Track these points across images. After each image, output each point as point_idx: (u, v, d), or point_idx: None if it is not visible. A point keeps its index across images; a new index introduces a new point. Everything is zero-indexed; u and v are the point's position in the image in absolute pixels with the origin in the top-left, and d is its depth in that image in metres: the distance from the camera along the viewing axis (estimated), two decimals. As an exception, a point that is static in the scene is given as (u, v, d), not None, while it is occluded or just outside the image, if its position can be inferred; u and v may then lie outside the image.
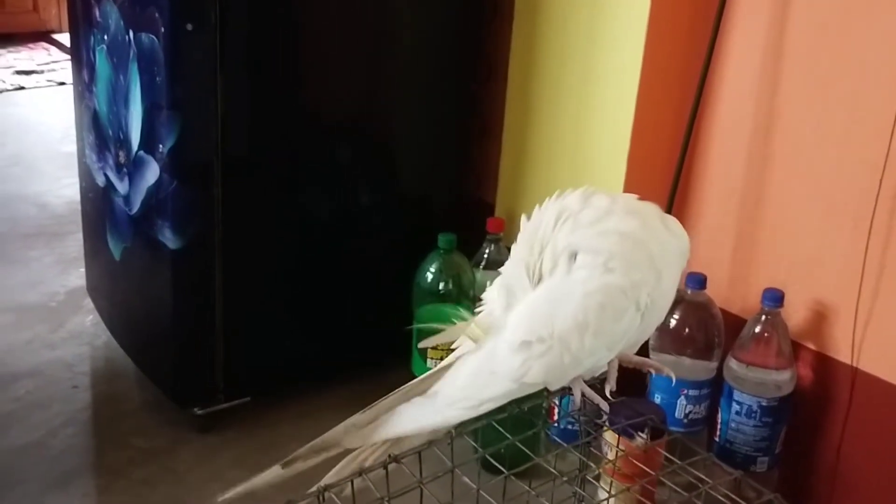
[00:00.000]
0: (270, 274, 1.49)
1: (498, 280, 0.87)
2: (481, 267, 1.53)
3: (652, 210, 0.85)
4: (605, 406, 0.88)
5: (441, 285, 1.47)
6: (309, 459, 0.84)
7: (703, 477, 0.85)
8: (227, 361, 1.46)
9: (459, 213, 1.67)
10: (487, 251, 1.55)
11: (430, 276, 1.48)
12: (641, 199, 0.85)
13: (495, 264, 1.38)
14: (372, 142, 1.56)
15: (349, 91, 1.51)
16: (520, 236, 0.85)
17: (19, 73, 3.45)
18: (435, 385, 0.86)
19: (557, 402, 1.40)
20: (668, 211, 1.46)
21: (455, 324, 0.85)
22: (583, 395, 0.87)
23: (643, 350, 1.38)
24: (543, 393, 0.90)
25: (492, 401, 0.82)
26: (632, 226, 0.81)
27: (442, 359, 1.42)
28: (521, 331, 0.80)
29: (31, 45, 3.81)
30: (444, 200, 1.68)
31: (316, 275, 1.53)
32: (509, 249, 1.55)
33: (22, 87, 3.30)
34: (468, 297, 1.47)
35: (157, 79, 1.31)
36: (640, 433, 1.07)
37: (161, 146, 1.33)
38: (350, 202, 1.54)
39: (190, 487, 1.36)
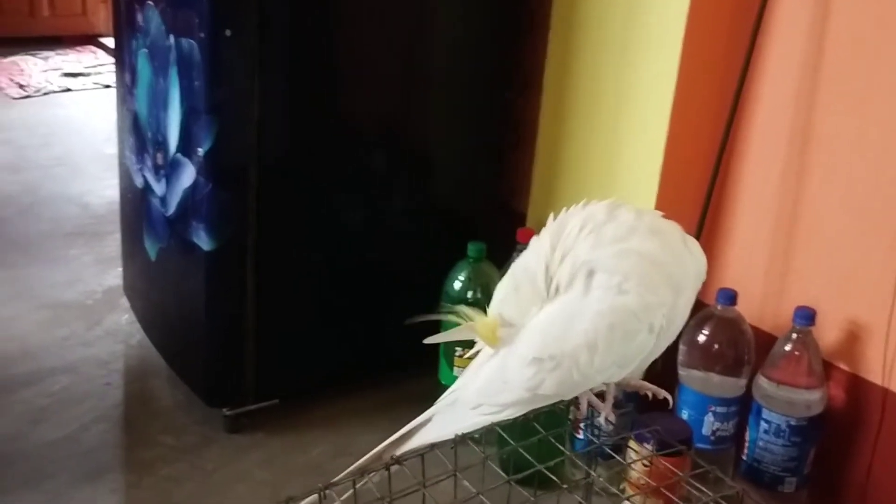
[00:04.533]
0: (302, 278, 1.50)
1: (513, 272, 0.86)
2: (511, 276, 1.53)
3: (674, 230, 0.85)
4: (611, 417, 0.89)
5: (469, 294, 1.48)
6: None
7: (728, 495, 0.85)
8: (258, 363, 1.48)
9: (491, 222, 1.67)
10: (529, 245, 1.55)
11: (458, 285, 1.49)
12: (665, 216, 0.86)
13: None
14: (406, 149, 1.57)
15: (385, 98, 1.52)
16: (543, 232, 0.85)
17: (67, 75, 3.52)
18: (454, 390, 0.87)
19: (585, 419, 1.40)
20: (701, 224, 1.45)
21: (465, 321, 0.85)
22: (589, 404, 0.88)
23: (672, 365, 1.38)
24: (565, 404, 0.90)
25: (511, 407, 0.83)
26: (652, 246, 0.81)
27: (470, 367, 1.42)
28: (533, 347, 0.81)
29: (78, 48, 3.89)
30: (476, 209, 1.68)
31: (346, 280, 1.55)
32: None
33: (69, 89, 3.38)
34: (497, 307, 1.47)
35: (196, 83, 1.34)
36: (645, 444, 1.06)
37: (198, 149, 1.36)
38: (382, 208, 1.55)
39: (217, 486, 1.38)
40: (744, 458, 1.35)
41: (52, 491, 1.33)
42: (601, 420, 0.89)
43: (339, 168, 1.48)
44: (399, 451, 0.85)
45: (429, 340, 0.89)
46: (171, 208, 1.46)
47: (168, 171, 1.45)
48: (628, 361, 0.82)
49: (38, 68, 3.57)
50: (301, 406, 1.54)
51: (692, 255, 0.84)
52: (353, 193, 1.51)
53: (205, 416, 1.51)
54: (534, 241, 0.86)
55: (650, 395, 0.95)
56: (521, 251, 1.53)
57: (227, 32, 1.30)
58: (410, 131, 1.58)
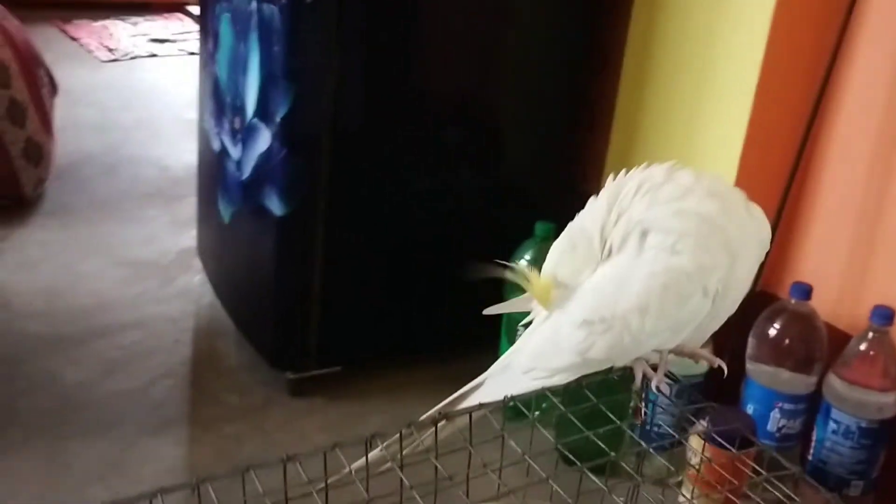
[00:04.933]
0: (370, 248, 1.51)
1: (568, 232, 0.85)
2: (579, 259, 1.52)
3: (735, 194, 0.83)
4: (665, 388, 0.86)
5: (535, 273, 1.46)
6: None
7: (792, 495, 0.83)
8: (322, 330, 1.50)
9: (561, 202, 1.64)
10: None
11: (524, 264, 1.47)
12: (726, 181, 0.83)
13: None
14: (479, 124, 1.56)
15: (461, 73, 1.51)
16: (601, 193, 0.84)
17: (153, 41, 3.61)
18: (508, 357, 0.86)
19: (644, 404, 1.38)
20: (779, 216, 1.41)
21: (521, 277, 0.84)
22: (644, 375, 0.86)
23: (740, 357, 1.35)
24: (627, 386, 0.89)
25: (562, 371, 0.82)
26: (710, 208, 0.79)
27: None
28: (584, 309, 0.80)
29: (166, 15, 3.98)
30: (547, 188, 1.66)
31: (413, 252, 1.55)
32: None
33: (154, 55, 3.46)
34: (562, 288, 1.46)
35: (275, 49, 1.35)
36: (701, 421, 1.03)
37: (274, 115, 1.37)
38: (453, 184, 1.55)
39: (276, 447, 1.40)
40: (809, 457, 1.31)
41: (119, 439, 1.38)
42: (653, 387, 0.87)
43: (412, 141, 1.48)
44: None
45: (489, 311, 0.89)
46: (246, 172, 1.49)
47: (244, 135, 1.47)
48: (682, 326, 0.80)
49: (127, 33, 3.66)
50: (362, 374, 1.56)
51: (754, 220, 0.82)
52: (424, 167, 1.51)
53: (268, 378, 1.54)
54: (591, 201, 0.85)
55: (705, 363, 0.92)
56: (590, 233, 1.53)
57: (308, 0, 1.31)
58: (484, 107, 1.57)
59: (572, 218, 1.53)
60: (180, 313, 1.76)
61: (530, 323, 0.91)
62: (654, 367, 0.87)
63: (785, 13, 1.32)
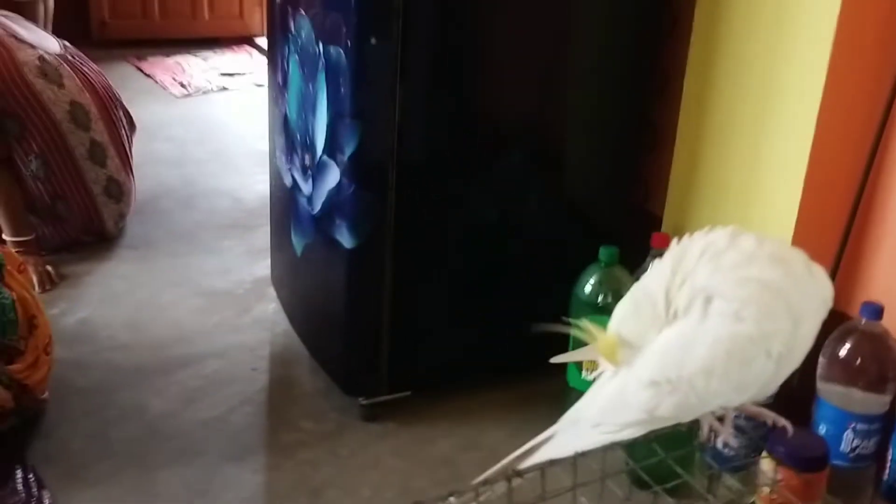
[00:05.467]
0: (437, 275, 1.55)
1: (633, 293, 0.88)
2: (643, 282, 1.53)
3: (798, 257, 0.85)
4: (733, 441, 0.91)
5: (600, 298, 1.48)
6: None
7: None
8: (393, 356, 1.54)
9: (625, 225, 1.67)
10: (651, 267, 1.54)
11: (589, 289, 1.49)
12: (788, 244, 0.87)
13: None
14: (542, 150, 1.59)
15: (524, 100, 1.54)
16: (666, 256, 0.87)
17: (224, 74, 3.73)
18: (577, 409, 0.90)
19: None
20: (846, 234, 1.40)
21: (588, 336, 0.87)
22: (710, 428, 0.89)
23: (810, 378, 1.34)
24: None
25: (630, 427, 0.85)
26: (773, 274, 0.82)
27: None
28: (651, 370, 0.83)
29: (235, 49, 4.11)
30: (611, 212, 1.68)
31: (479, 278, 1.58)
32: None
33: (225, 88, 3.57)
34: (628, 311, 1.47)
35: (342, 89, 1.40)
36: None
37: (342, 152, 1.43)
38: (517, 209, 1.58)
39: (351, 472, 1.45)
40: (884, 478, 1.30)
41: (202, 467, 1.44)
42: (719, 444, 0.90)
43: (476, 169, 1.52)
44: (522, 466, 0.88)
45: (555, 360, 0.92)
46: (317, 207, 1.54)
47: (315, 171, 1.53)
48: (746, 387, 0.83)
49: (199, 68, 3.79)
50: (433, 399, 1.60)
51: (816, 282, 0.84)
52: (488, 194, 1.55)
53: (342, 403, 1.59)
54: (656, 263, 0.88)
55: (769, 422, 0.95)
56: (654, 257, 1.54)
57: (372, 41, 1.36)
58: (547, 132, 1.60)
59: (636, 240, 1.56)
60: (256, 342, 1.83)
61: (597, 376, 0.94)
62: (721, 419, 0.90)
63: (848, 32, 1.32)
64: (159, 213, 2.43)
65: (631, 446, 0.99)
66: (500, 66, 1.50)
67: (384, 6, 1.34)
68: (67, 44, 2.26)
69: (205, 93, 3.52)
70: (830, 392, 1.33)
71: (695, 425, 0.92)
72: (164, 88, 3.55)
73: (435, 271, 1.55)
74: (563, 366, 1.55)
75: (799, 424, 1.34)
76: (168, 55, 3.95)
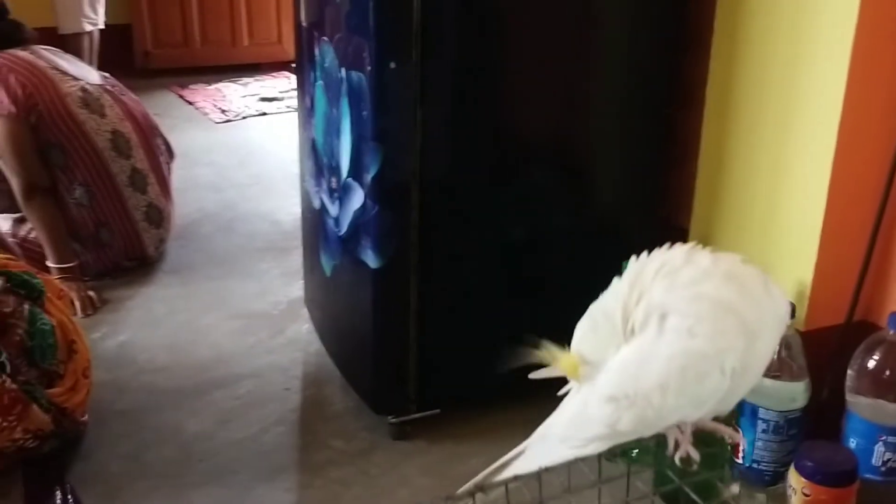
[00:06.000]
0: (463, 294, 1.56)
1: (592, 312, 0.89)
2: (669, 296, 1.52)
3: (753, 275, 0.85)
4: (695, 455, 0.89)
5: (625, 313, 1.48)
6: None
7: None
8: (420, 374, 1.56)
9: (651, 238, 1.66)
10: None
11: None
12: (746, 261, 0.86)
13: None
14: (567, 166, 1.60)
15: (546, 116, 1.55)
16: (625, 274, 0.88)
17: (263, 99, 3.81)
18: (546, 425, 0.91)
19: (743, 440, 1.37)
20: (872, 241, 1.38)
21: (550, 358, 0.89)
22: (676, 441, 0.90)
23: (839, 390, 1.33)
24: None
25: (594, 441, 0.86)
26: (726, 291, 0.82)
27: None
28: (610, 386, 0.84)
29: (274, 74, 4.19)
30: (636, 225, 1.68)
31: (505, 295, 1.59)
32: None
33: (264, 113, 3.65)
34: (653, 326, 1.47)
35: (364, 113, 1.43)
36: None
37: (366, 174, 1.45)
38: (542, 225, 1.59)
39: (380, 490, 1.47)
40: (918, 492, 1.27)
41: (235, 487, 1.47)
42: (676, 458, 0.90)
43: (500, 187, 1.54)
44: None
45: (533, 376, 0.94)
46: (344, 228, 1.57)
47: (341, 194, 1.56)
48: (702, 402, 0.84)
49: (238, 94, 3.88)
50: (461, 417, 1.60)
51: (773, 300, 0.85)
52: (513, 211, 1.56)
53: (372, 422, 1.60)
54: (615, 281, 0.89)
55: (727, 438, 0.95)
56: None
57: (392, 65, 1.38)
58: (571, 148, 1.61)
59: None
60: (290, 362, 1.86)
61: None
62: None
63: (866, 41, 1.31)
64: (199, 238, 2.49)
65: (659, 467, 0.99)
66: (521, 83, 1.52)
67: (403, 31, 1.36)
68: (107, 75, 2.34)
69: (244, 118, 3.60)
70: (860, 405, 1.31)
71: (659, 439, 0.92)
72: (205, 115, 3.64)
73: (461, 289, 1.56)
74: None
75: (829, 438, 1.33)
76: (209, 82, 4.05)
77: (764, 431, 1.34)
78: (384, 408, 1.59)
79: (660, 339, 0.82)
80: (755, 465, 1.36)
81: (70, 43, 3.40)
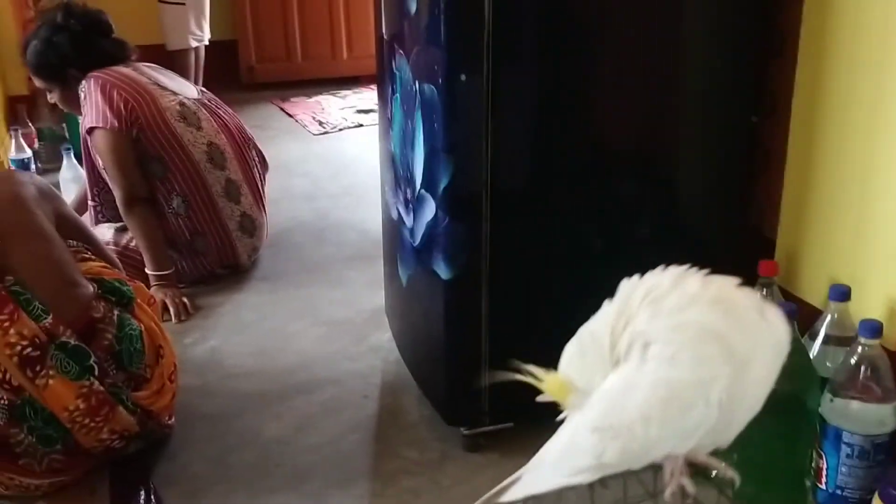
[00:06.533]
0: (535, 305, 1.55)
1: (580, 335, 0.87)
2: (750, 311, 1.47)
3: (746, 299, 0.81)
4: (690, 488, 0.85)
5: (702, 327, 1.43)
6: None
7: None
8: (493, 387, 1.55)
9: (736, 250, 1.61)
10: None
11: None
12: (741, 285, 0.81)
13: (765, 309, 1.32)
14: (648, 174, 1.56)
15: (628, 124, 1.53)
16: (615, 298, 0.85)
17: (360, 111, 3.88)
18: (542, 451, 0.90)
19: (825, 464, 1.31)
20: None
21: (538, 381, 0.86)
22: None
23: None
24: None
25: (583, 472, 0.84)
26: (712, 317, 0.78)
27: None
28: (595, 416, 0.81)
29: (371, 87, 4.26)
30: (724, 237, 1.63)
31: (579, 308, 1.56)
32: (784, 293, 1.48)
33: (360, 125, 3.72)
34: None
35: (436, 125, 1.44)
36: None
37: (438, 186, 1.46)
38: (621, 235, 1.56)
39: (451, 502, 1.47)
40: None
41: (309, 494, 1.50)
42: (666, 495, 0.86)
43: (576, 197, 1.52)
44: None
45: (540, 399, 0.92)
46: (418, 239, 1.58)
47: (415, 205, 1.57)
48: (688, 434, 0.80)
49: (336, 106, 3.97)
50: (534, 430, 1.57)
51: (768, 325, 0.80)
52: (589, 221, 1.54)
53: (445, 433, 1.61)
54: (605, 305, 0.87)
55: (719, 472, 0.89)
56: (763, 285, 1.48)
57: (462, 77, 1.39)
58: (653, 156, 1.57)
59: (748, 265, 1.50)
60: (370, 369, 1.88)
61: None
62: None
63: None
64: (291, 246, 2.56)
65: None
66: (600, 92, 1.50)
67: (474, 44, 1.36)
68: (204, 89, 2.44)
69: (340, 130, 3.68)
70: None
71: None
72: (304, 127, 3.74)
73: (534, 302, 1.55)
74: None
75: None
76: (309, 95, 4.16)
77: (848, 456, 1.28)
78: (457, 419, 1.59)
79: (642, 369, 0.79)
80: (838, 492, 1.30)
81: (177, 59, 3.55)
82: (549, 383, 0.87)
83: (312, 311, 2.16)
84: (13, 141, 2.94)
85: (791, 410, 1.28)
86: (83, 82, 2.15)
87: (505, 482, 0.92)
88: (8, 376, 1.36)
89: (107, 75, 2.15)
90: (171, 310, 2.11)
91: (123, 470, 1.54)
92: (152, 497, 1.48)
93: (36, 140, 3.14)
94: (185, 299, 2.16)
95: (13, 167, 2.88)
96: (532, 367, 0.87)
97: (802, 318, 1.40)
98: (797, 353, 1.30)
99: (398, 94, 1.63)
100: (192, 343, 2.02)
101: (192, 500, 1.50)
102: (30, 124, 3.13)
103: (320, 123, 3.74)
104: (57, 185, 2.69)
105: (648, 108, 1.53)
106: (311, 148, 3.50)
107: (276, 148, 3.40)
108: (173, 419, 1.64)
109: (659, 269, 0.86)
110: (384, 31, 1.74)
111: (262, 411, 1.75)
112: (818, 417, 1.31)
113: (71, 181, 2.63)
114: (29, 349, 1.36)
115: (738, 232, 1.64)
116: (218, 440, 1.66)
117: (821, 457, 1.32)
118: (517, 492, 0.89)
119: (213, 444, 1.64)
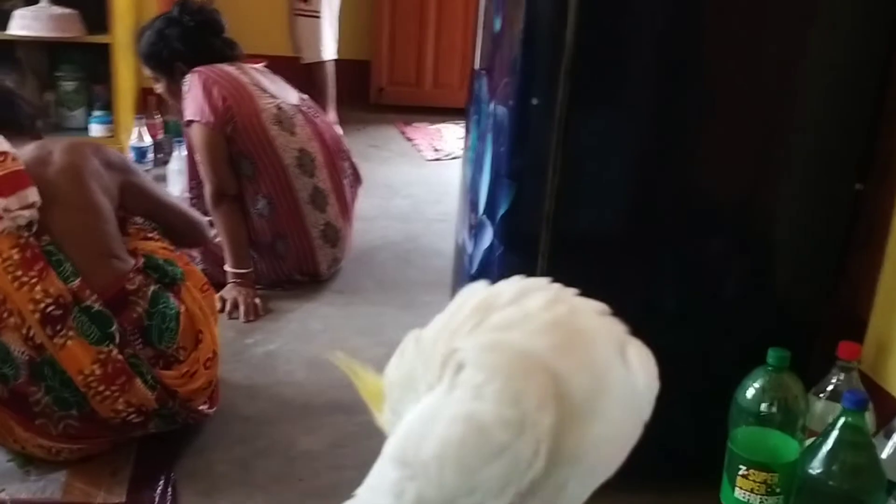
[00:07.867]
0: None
1: (406, 341, 0.77)
2: (823, 396, 1.31)
3: (605, 331, 0.65)
4: None
5: (763, 406, 1.29)
6: None
7: None
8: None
9: (824, 325, 1.46)
10: (835, 379, 1.32)
11: (751, 392, 1.30)
12: (604, 313, 0.65)
13: (840, 397, 1.18)
14: (736, 232, 1.44)
15: (719, 174, 1.41)
16: (451, 302, 0.73)
17: (473, 141, 3.85)
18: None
19: None
20: None
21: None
22: None
23: None
24: None
25: None
26: (541, 344, 0.62)
27: (753, 491, 1.25)
28: (394, 445, 0.69)
29: (491, 119, 4.24)
30: (808, 308, 1.48)
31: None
32: (867, 381, 1.32)
33: (472, 154, 3.68)
34: (795, 427, 1.27)
35: (502, 148, 1.38)
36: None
37: (496, 213, 1.39)
38: (698, 295, 1.44)
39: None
40: None
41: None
42: None
43: (649, 248, 1.41)
44: None
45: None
46: (475, 267, 1.52)
47: (476, 231, 1.51)
48: (498, 490, 0.62)
49: (455, 135, 3.95)
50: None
51: (627, 368, 0.64)
52: (663, 277, 1.43)
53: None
54: (441, 313, 0.74)
55: None
56: (841, 368, 1.32)
57: (534, 101, 1.32)
58: (744, 213, 1.45)
59: (833, 344, 1.34)
60: (420, 397, 1.81)
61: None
62: None
63: None
64: (374, 264, 2.53)
65: None
66: (692, 137, 1.39)
67: (550, 67, 1.29)
68: (305, 97, 2.45)
69: (453, 158, 3.65)
70: None
71: None
72: (419, 151, 3.74)
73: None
74: (719, 479, 1.37)
75: None
76: (432, 122, 4.17)
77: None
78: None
79: (449, 396, 0.65)
80: None
81: (314, 71, 3.65)
82: (365, 386, 0.75)
83: (378, 331, 2.11)
84: (136, 129, 3.07)
85: (849, 513, 1.13)
86: (187, 76, 2.21)
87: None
88: (31, 333, 1.38)
89: (210, 71, 2.20)
90: (241, 308, 2.11)
91: (148, 456, 1.53)
92: (169, 489, 1.46)
93: (161, 131, 3.26)
94: (257, 300, 2.16)
95: (132, 154, 3.00)
96: (356, 365, 0.77)
97: (882, 412, 1.24)
98: (863, 449, 1.15)
99: (476, 116, 1.58)
100: (252, 344, 2.01)
101: (208, 499, 1.47)
102: (157, 116, 3.26)
103: (435, 149, 3.73)
104: (165, 177, 2.79)
105: (747, 161, 1.41)
106: (420, 172, 3.49)
107: (388, 169, 3.42)
108: (211, 409, 1.62)
109: (516, 276, 0.72)
110: (478, 59, 1.69)
111: (300, 422, 1.71)
112: (881, 526, 1.15)
113: (178, 173, 2.71)
114: (52, 307, 1.38)
115: (827, 306, 1.48)
116: (248, 443, 1.62)
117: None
118: None
119: (243, 446, 1.61)
